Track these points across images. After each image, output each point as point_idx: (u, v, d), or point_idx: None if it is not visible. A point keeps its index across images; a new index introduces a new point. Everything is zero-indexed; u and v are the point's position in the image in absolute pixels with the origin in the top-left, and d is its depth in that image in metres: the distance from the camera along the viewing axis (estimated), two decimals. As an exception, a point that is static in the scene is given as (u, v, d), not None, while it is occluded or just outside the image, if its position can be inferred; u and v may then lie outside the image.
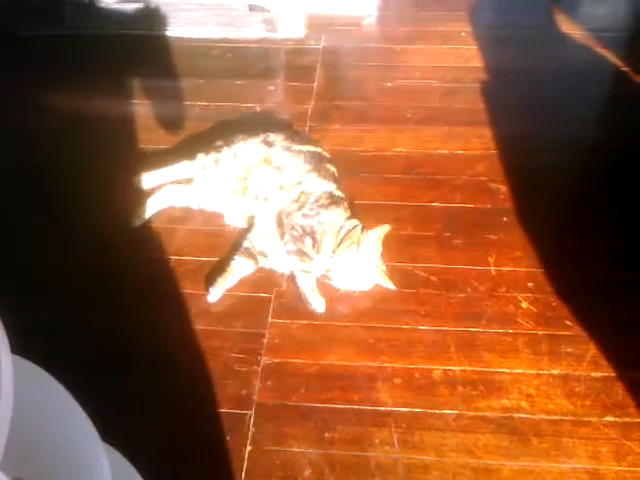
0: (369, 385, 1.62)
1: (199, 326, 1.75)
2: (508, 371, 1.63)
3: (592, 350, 1.67)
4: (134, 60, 2.72)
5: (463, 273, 1.87)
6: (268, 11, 2.76)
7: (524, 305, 1.78)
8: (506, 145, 2.27)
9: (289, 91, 2.63)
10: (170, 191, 2.04)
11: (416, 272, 1.87)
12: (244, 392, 1.60)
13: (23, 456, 0.74)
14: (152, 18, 2.82)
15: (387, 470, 1.46)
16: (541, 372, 1.63)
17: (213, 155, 2.01)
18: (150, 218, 2.02)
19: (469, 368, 1.64)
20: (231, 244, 1.94)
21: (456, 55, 2.72)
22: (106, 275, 1.87)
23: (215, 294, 1.80)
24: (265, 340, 1.71)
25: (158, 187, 2.05)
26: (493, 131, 2.32)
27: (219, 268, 1.85)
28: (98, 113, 2.46)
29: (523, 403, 1.57)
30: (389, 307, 1.78)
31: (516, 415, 1.55)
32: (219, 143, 2.04)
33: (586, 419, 1.54)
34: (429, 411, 1.56)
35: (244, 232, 1.93)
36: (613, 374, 1.62)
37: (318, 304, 1.77)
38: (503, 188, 2.11)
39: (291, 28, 2.83)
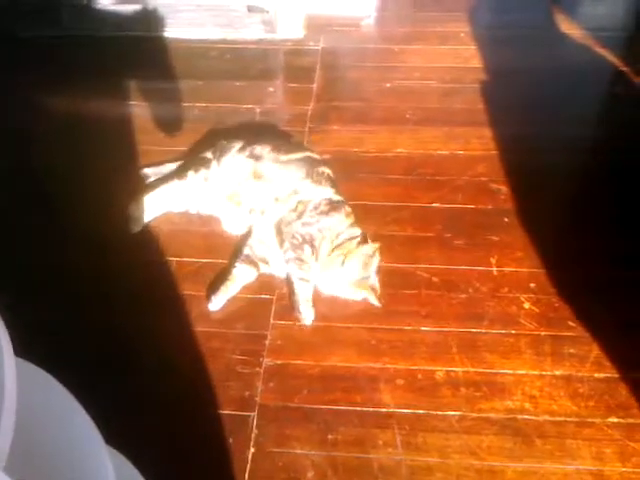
0: (371, 386, 1.61)
1: (200, 328, 1.74)
2: (511, 372, 1.63)
3: (595, 351, 1.66)
4: (132, 61, 2.71)
5: (465, 274, 1.86)
6: (267, 12, 2.76)
7: (526, 306, 1.77)
8: (506, 145, 2.27)
9: (288, 92, 2.63)
10: (167, 196, 2.02)
11: (418, 273, 1.86)
12: (247, 394, 1.59)
13: (27, 459, 0.73)
14: (150, 19, 2.81)
15: (390, 472, 1.45)
16: (544, 373, 1.62)
17: (203, 172, 1.98)
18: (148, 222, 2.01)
19: (472, 369, 1.64)
20: (231, 246, 1.93)
21: (455, 55, 2.72)
22: (105, 277, 1.86)
23: (217, 302, 1.79)
24: (267, 342, 1.70)
25: (155, 190, 2.03)
26: (493, 131, 2.32)
27: (221, 275, 1.84)
28: (96, 114, 2.46)
29: (527, 404, 1.56)
30: (391, 308, 1.77)
31: (520, 416, 1.54)
32: (209, 156, 2.02)
33: (590, 420, 1.53)
34: (432, 412, 1.55)
35: (244, 238, 1.92)
36: (616, 375, 1.61)
37: (307, 315, 1.75)
38: (504, 189, 2.11)
39: (290, 29, 2.82)
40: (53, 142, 2.30)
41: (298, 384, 1.62)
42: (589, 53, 2.71)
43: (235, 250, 1.90)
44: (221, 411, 1.57)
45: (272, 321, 1.75)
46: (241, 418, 1.55)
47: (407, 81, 2.59)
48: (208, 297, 1.79)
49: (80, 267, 1.89)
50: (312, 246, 1.81)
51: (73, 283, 1.85)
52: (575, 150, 2.28)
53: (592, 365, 1.63)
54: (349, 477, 1.45)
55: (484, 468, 1.45)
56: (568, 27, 2.85)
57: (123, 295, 1.82)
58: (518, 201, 2.07)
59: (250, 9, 2.76)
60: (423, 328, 1.73)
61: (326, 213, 1.85)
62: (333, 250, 1.80)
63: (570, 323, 1.72)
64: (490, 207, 2.06)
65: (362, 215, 1.92)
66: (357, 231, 1.85)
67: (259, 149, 1.98)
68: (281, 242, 1.85)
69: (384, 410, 1.56)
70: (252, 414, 1.55)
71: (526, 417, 1.54)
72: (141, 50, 2.78)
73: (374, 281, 1.78)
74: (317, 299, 1.79)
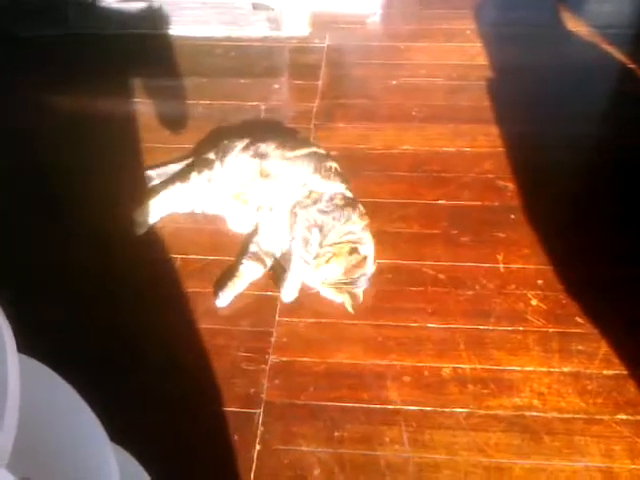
0: (378, 383, 1.60)
1: (205, 325, 1.74)
2: (519, 369, 1.62)
3: (604, 348, 1.65)
4: (136, 59, 2.71)
5: (471, 271, 1.85)
6: (272, 9, 2.74)
7: (534, 302, 1.76)
8: (512, 142, 2.25)
9: (294, 89, 2.62)
10: (172, 198, 2.00)
11: (424, 270, 1.85)
12: (252, 391, 1.59)
13: (30, 456, 0.73)
14: (155, 17, 2.80)
15: (398, 469, 1.44)
16: (552, 370, 1.61)
17: (206, 174, 1.97)
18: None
19: (479, 366, 1.63)
20: (237, 244, 1.92)
21: (461, 53, 2.70)
22: (110, 274, 1.86)
23: (224, 299, 1.78)
24: (273, 339, 1.70)
25: (159, 195, 2.01)
26: (499, 128, 2.31)
27: (227, 272, 1.84)
28: (100, 113, 2.45)
29: (535, 401, 1.55)
30: (397, 305, 1.77)
31: (528, 413, 1.53)
32: (211, 157, 2.00)
33: (598, 417, 1.52)
34: (439, 409, 1.55)
35: (251, 235, 1.91)
36: (625, 372, 1.60)
37: (289, 294, 1.74)
38: (510, 186, 2.10)
39: (295, 26, 2.81)
40: (56, 141, 2.30)
41: (304, 381, 1.61)
42: (595, 50, 2.69)
43: (241, 248, 1.90)
44: (226, 408, 1.56)
45: (278, 318, 1.74)
46: (247, 415, 1.54)
47: (413, 78, 2.58)
48: (215, 294, 1.79)
49: (85, 265, 1.88)
50: (321, 232, 1.79)
51: (78, 281, 1.85)
52: (581, 148, 2.27)
53: (600, 362, 1.62)
54: (356, 474, 1.44)
55: (492, 465, 1.44)
56: (574, 24, 2.84)
57: (128, 293, 1.82)
58: (524, 198, 2.05)
59: (255, 6, 2.75)
60: (430, 325, 1.72)
61: (342, 207, 1.83)
62: (332, 245, 1.79)
63: (578, 320, 1.71)
64: (497, 204, 2.04)
65: (368, 212, 1.90)
66: (366, 237, 1.81)
67: (264, 147, 1.96)
68: (292, 224, 1.82)
69: (391, 407, 1.55)
70: (258, 411, 1.55)
71: (534, 414, 1.53)
72: (146, 48, 2.77)
73: (359, 290, 1.75)
74: (321, 297, 1.78)
